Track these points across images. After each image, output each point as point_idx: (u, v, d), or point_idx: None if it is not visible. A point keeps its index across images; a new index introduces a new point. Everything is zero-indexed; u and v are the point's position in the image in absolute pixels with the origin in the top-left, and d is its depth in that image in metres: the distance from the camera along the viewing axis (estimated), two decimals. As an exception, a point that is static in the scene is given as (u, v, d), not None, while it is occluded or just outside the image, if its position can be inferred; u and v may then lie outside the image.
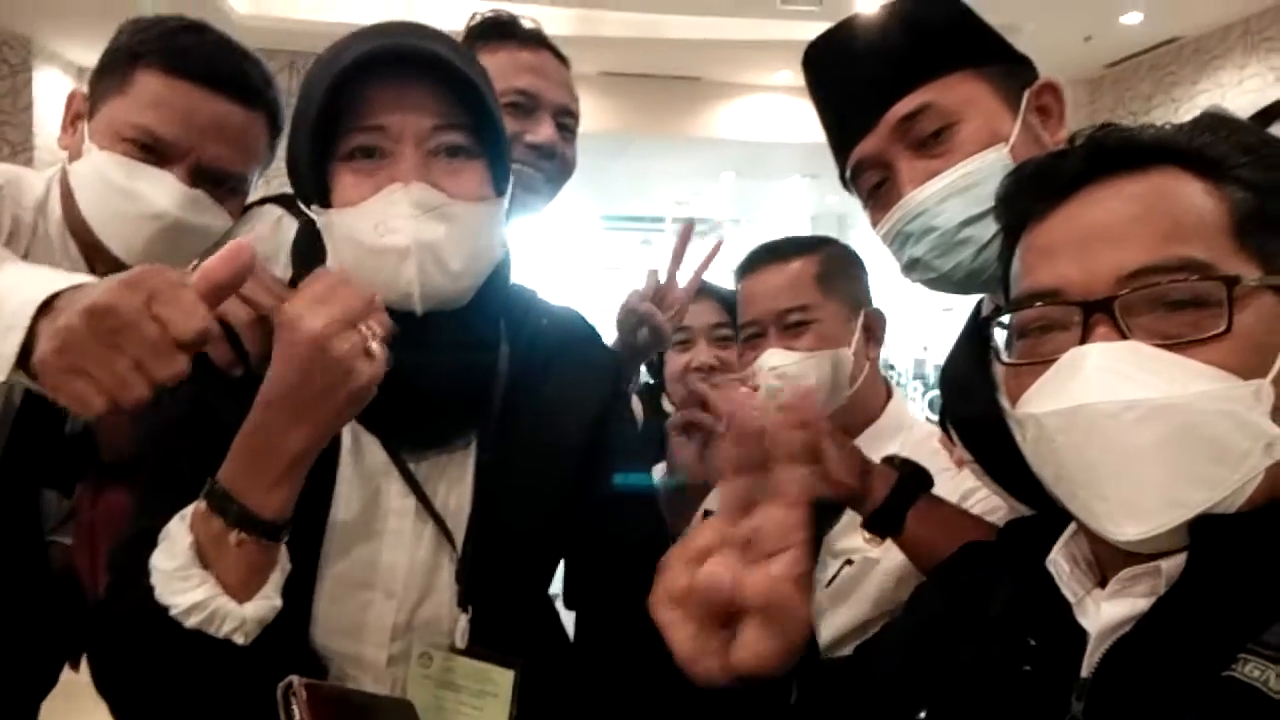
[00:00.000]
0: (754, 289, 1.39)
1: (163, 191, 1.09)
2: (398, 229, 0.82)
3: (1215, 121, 0.71)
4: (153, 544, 0.78)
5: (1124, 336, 0.64)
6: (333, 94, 0.83)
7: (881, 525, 1.08)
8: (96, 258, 1.13)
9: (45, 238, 1.14)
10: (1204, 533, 0.62)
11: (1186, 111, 5.95)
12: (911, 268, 1.03)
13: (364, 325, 0.76)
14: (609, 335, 1.44)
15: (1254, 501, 0.62)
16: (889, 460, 1.14)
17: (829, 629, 1.27)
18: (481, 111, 0.88)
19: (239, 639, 0.76)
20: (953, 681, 0.75)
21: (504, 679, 0.88)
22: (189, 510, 0.78)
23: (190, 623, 0.74)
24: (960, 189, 0.96)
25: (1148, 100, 6.40)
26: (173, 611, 0.75)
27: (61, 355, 0.68)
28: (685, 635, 0.62)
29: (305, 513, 0.83)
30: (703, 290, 1.94)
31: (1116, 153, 0.69)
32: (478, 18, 1.40)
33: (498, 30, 1.38)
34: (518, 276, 1.02)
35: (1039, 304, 0.69)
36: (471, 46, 1.35)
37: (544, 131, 1.35)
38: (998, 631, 0.74)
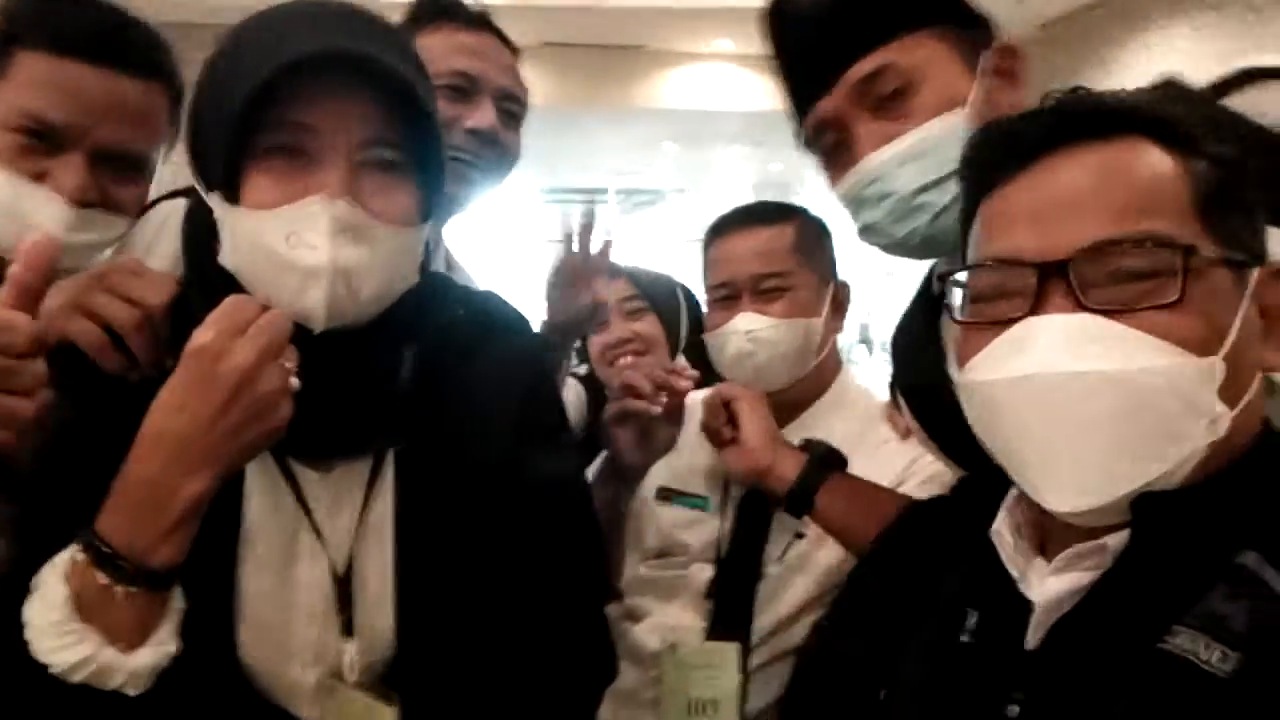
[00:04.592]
0: (729, 251, 1.37)
1: (46, 215, 1.02)
2: (314, 245, 0.75)
3: (1180, 92, 0.71)
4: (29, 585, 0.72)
5: (1078, 305, 0.63)
6: (264, 86, 0.74)
7: (793, 505, 1.13)
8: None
9: None
10: (1146, 508, 0.63)
11: (1116, 73, 6.04)
12: (867, 232, 1.03)
13: (285, 358, 0.72)
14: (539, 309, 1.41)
15: (1194, 476, 0.63)
16: (805, 443, 1.19)
17: (784, 604, 1.29)
18: (422, 126, 0.81)
19: (130, 690, 0.71)
20: (907, 658, 0.76)
21: (387, 715, 0.82)
22: (62, 559, 0.71)
23: (75, 679, 0.69)
24: (917, 154, 0.95)
25: (1079, 61, 6.48)
26: (53, 669, 0.69)
27: None
28: None
29: (215, 523, 0.78)
30: (612, 270, 1.96)
31: (1083, 119, 0.68)
32: None
33: (438, 11, 1.30)
34: (458, 252, 0.99)
35: (995, 264, 0.69)
36: (411, 30, 1.27)
37: (484, 116, 1.27)
38: (945, 606, 0.75)
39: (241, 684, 0.84)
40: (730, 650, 1.26)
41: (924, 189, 0.95)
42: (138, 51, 1.06)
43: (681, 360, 1.85)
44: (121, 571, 0.70)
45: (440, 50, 1.26)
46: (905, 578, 0.82)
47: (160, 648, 0.72)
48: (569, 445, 1.04)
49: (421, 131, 0.82)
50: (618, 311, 1.86)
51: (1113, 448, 0.62)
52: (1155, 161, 0.66)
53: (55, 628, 0.69)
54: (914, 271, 1.16)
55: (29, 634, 0.70)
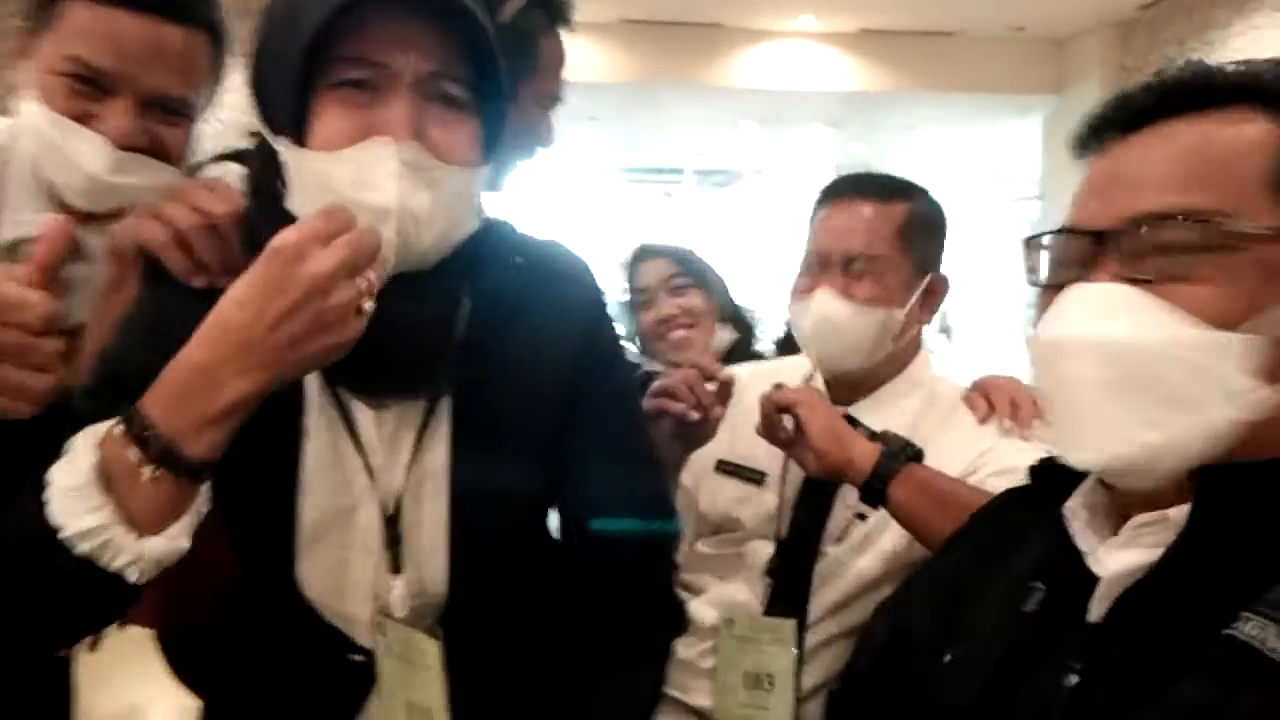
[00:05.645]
0: (833, 221, 1.33)
1: (91, 156, 1.06)
2: (381, 187, 0.75)
3: None
4: None
5: (1121, 274, 0.65)
6: (329, 23, 0.74)
7: (867, 496, 1.15)
8: (56, 194, 1.11)
9: (20, 175, 1.13)
10: (1208, 481, 0.62)
11: (1222, 56, 5.79)
12: None
13: (364, 277, 0.71)
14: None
15: (1257, 450, 0.62)
16: (881, 434, 1.19)
17: (844, 584, 1.29)
18: (486, 61, 0.81)
19: (131, 575, 0.69)
20: (974, 626, 0.77)
21: (432, 650, 0.84)
22: (99, 428, 0.71)
23: (80, 549, 0.68)
24: None
25: (1180, 44, 6.23)
26: (61, 535, 0.67)
27: None
28: None
29: (275, 458, 0.80)
30: (651, 251, 2.08)
31: (1186, 91, 0.68)
32: None
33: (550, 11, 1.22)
34: (534, 227, 0.97)
35: (1062, 235, 0.71)
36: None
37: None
38: (1015, 578, 0.76)
39: (306, 614, 0.87)
40: (787, 625, 1.27)
41: None
42: (179, 2, 1.10)
43: (720, 339, 1.96)
44: (156, 451, 0.69)
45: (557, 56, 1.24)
46: (981, 553, 0.84)
47: (172, 541, 0.71)
48: (628, 369, 1.05)
49: (485, 72, 0.82)
50: (664, 289, 1.99)
51: (1117, 411, 0.64)
52: (1240, 133, 0.65)
53: (75, 492, 0.68)
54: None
55: (49, 493, 0.69)
